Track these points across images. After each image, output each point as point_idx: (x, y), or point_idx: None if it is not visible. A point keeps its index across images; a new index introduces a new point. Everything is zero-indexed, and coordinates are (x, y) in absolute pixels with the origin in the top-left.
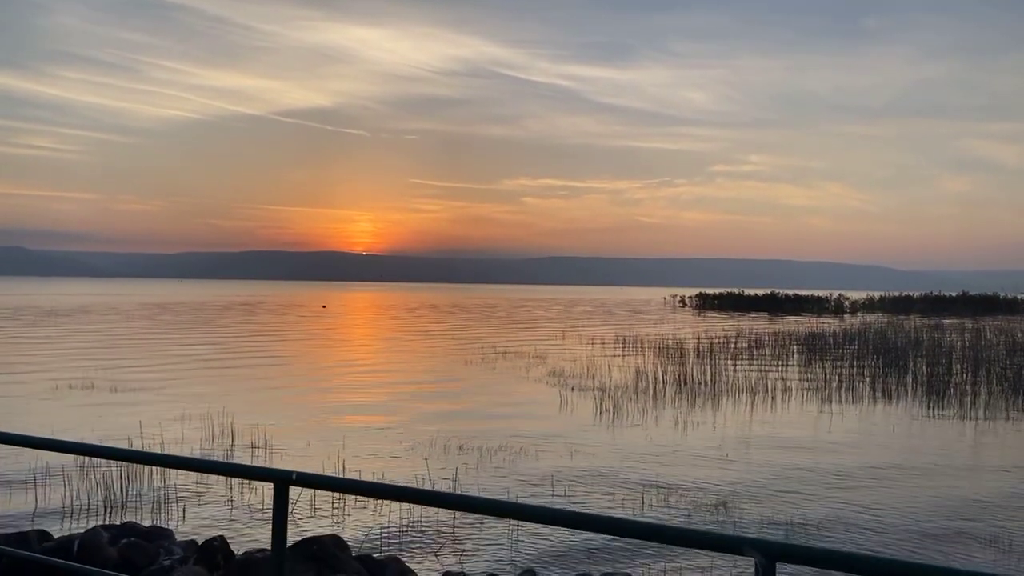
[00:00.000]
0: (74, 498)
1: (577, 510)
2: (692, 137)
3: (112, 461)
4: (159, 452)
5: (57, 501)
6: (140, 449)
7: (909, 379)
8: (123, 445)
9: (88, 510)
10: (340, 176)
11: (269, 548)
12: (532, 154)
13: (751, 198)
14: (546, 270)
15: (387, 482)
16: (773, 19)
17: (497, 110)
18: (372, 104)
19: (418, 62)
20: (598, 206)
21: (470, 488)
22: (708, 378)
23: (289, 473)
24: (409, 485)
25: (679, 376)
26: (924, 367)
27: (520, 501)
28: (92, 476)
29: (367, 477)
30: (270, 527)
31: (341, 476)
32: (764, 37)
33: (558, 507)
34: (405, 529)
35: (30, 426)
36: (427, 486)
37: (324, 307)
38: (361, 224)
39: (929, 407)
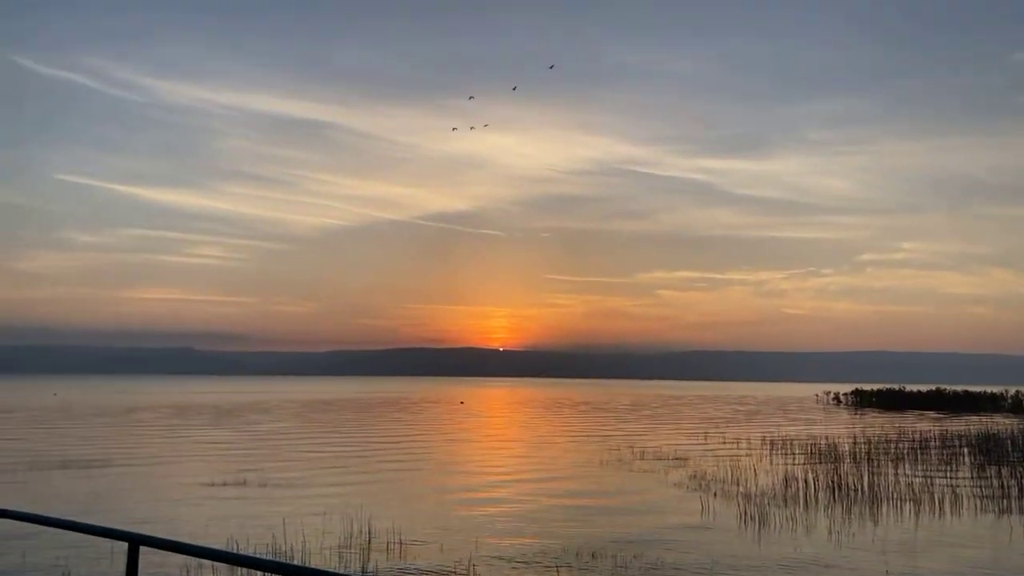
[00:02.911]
0: None
1: None
2: (836, 225)
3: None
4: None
5: None
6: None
7: None
8: (263, 542)
9: None
10: (478, 275)
11: None
12: (667, 247)
13: (906, 287)
14: (687, 364)
15: None
16: (915, 102)
17: (629, 205)
18: (507, 205)
19: (550, 164)
20: (740, 298)
21: None
22: (865, 483)
23: None
24: None
25: (833, 481)
26: None
27: None
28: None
29: None
30: None
31: None
32: (907, 120)
33: None
34: None
35: (183, 521)
36: None
37: (462, 403)
38: (498, 320)
39: None
